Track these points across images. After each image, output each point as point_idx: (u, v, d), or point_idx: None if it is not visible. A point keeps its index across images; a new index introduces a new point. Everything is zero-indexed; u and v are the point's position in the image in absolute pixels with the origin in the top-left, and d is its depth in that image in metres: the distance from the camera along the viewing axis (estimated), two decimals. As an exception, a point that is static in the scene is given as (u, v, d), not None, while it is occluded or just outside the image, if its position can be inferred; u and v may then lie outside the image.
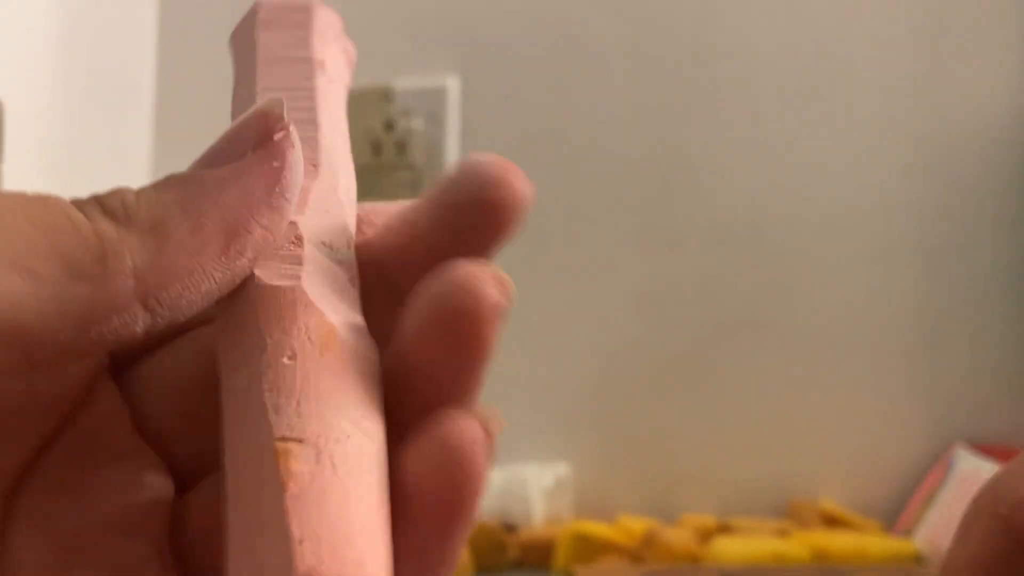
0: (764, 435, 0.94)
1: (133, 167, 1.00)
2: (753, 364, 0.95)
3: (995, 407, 0.91)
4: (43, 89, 0.88)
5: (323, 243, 0.17)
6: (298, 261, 0.17)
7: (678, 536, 0.78)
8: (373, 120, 1.00)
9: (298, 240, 0.17)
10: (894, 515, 0.89)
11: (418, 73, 1.02)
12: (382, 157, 1.00)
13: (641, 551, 0.78)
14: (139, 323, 0.15)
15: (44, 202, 0.15)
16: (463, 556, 0.77)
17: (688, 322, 0.96)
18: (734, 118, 0.98)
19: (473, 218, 0.17)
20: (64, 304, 0.14)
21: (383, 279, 0.18)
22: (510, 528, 0.87)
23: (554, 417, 0.97)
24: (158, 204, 0.15)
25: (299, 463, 0.14)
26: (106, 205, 0.15)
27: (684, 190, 0.98)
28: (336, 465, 0.15)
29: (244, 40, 0.20)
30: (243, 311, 0.16)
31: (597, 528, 0.81)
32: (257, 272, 0.16)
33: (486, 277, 0.15)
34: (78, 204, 0.15)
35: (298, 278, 0.16)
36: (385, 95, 1.00)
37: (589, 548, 0.79)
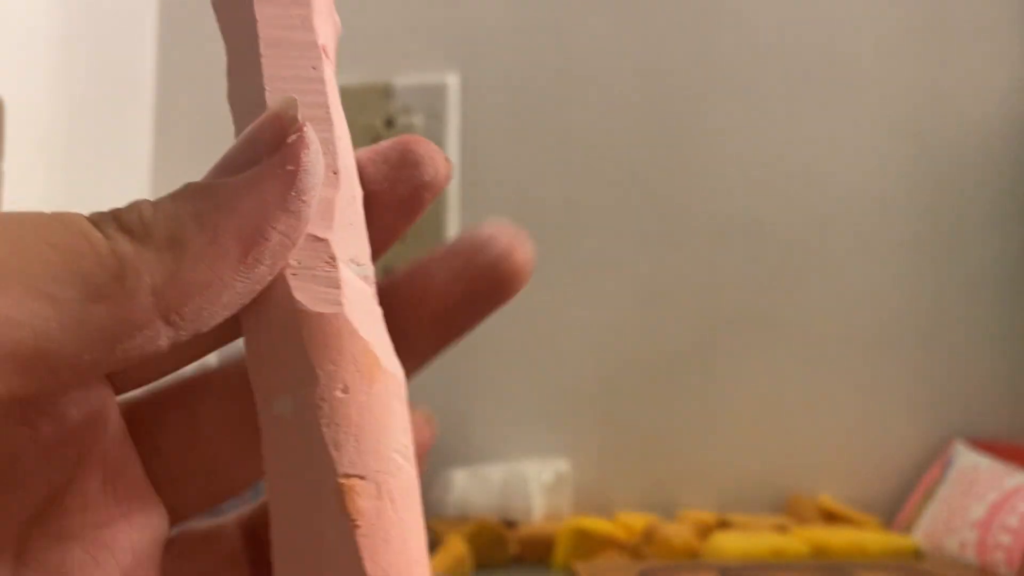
0: (763, 432, 0.94)
1: (133, 164, 1.00)
2: (752, 361, 0.95)
3: (994, 404, 0.92)
4: (44, 87, 0.88)
5: (351, 260, 0.17)
6: (336, 284, 0.17)
7: (677, 532, 0.78)
8: (373, 116, 1.00)
9: (332, 261, 0.17)
10: (893, 511, 0.89)
11: (418, 70, 1.02)
12: (382, 154, 1.00)
13: (640, 547, 0.78)
14: (163, 338, 0.15)
15: (62, 222, 0.15)
16: (463, 551, 0.77)
17: (688, 319, 0.96)
18: (734, 115, 0.98)
19: (486, 285, 0.19)
20: (85, 326, 0.14)
21: (396, 327, 0.18)
22: (510, 524, 0.87)
23: (554, 414, 0.97)
24: (175, 217, 0.15)
25: (364, 500, 0.15)
26: (123, 221, 0.15)
27: (683, 187, 0.98)
28: (395, 499, 0.15)
29: (238, 10, 0.19)
30: (284, 336, 0.16)
31: (597, 524, 0.82)
32: (298, 296, 0.16)
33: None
34: (96, 221, 0.15)
35: (340, 304, 0.16)
36: (385, 92, 1.00)
37: (589, 544, 0.79)
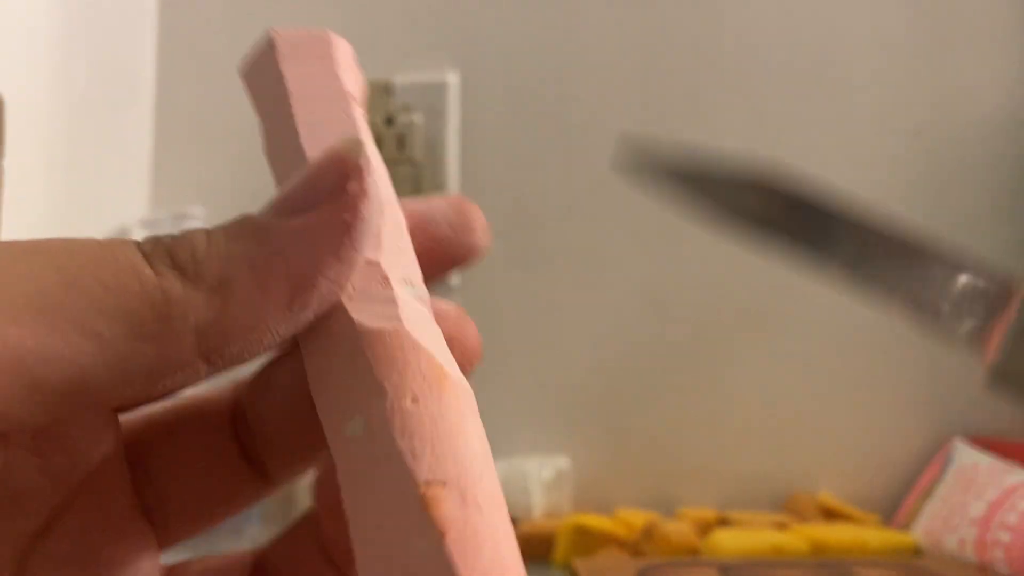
0: (763, 429, 0.94)
1: (134, 163, 1.00)
2: (752, 358, 0.95)
3: (994, 400, 0.91)
4: (44, 85, 0.88)
5: (404, 280, 0.17)
6: (392, 302, 0.17)
7: (677, 529, 0.78)
8: (373, 115, 1.00)
9: (385, 281, 0.17)
10: (892, 508, 0.89)
11: (418, 68, 1.02)
12: (382, 152, 0.98)
13: (640, 544, 0.78)
14: (201, 375, 0.15)
15: (113, 254, 0.15)
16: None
17: (688, 317, 0.96)
18: (733, 112, 0.98)
19: (448, 252, 0.20)
20: (128, 363, 0.14)
21: None
22: (510, 521, 0.87)
23: (554, 411, 0.97)
24: (227, 258, 0.15)
25: (449, 507, 0.14)
26: (176, 257, 0.15)
27: (683, 185, 0.98)
28: (481, 505, 0.15)
29: (265, 73, 0.20)
30: (347, 358, 0.16)
31: (597, 521, 0.82)
32: (356, 317, 0.16)
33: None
34: (148, 253, 0.15)
35: (399, 319, 0.16)
36: (385, 90, 1.00)
37: (589, 541, 0.79)
